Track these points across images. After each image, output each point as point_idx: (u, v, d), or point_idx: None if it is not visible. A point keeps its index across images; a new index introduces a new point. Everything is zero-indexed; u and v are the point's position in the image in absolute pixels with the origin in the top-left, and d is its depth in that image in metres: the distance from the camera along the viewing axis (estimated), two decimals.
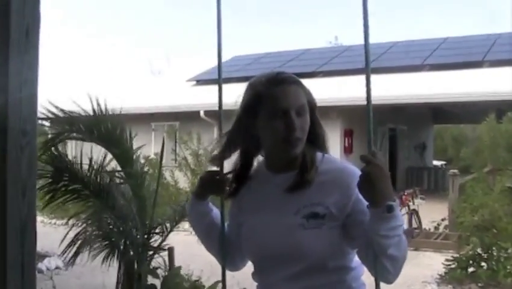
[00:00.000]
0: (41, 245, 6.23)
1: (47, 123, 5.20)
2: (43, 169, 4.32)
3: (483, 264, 6.66)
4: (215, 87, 1.87)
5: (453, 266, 6.84)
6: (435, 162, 22.58)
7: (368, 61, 1.50)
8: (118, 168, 4.83)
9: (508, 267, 6.41)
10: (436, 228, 9.63)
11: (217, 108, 1.87)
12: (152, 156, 10.39)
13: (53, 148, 4.49)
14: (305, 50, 19.92)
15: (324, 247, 1.57)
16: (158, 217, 4.79)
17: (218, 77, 1.86)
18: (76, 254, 4.38)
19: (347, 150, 13.90)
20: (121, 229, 4.59)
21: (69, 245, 4.41)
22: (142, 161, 5.36)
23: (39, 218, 7.83)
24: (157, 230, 4.76)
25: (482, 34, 17.77)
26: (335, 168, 1.65)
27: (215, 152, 1.77)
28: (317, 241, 1.56)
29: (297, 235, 1.57)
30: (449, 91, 12.93)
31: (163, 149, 5.41)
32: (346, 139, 14.05)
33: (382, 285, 1.55)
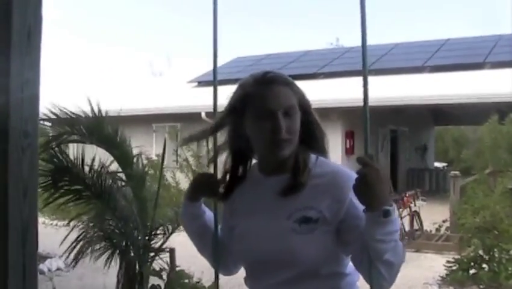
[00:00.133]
0: (42, 247, 6.23)
1: (48, 124, 5.20)
2: (43, 169, 4.32)
3: (484, 265, 6.65)
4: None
5: (454, 268, 6.83)
6: (436, 164, 22.56)
7: (365, 63, 1.48)
8: (120, 170, 4.83)
9: (510, 269, 6.40)
10: (437, 230, 9.63)
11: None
12: (154, 157, 10.39)
13: (54, 148, 4.50)
14: (306, 51, 19.93)
15: (316, 252, 1.52)
16: (159, 218, 4.79)
17: (213, 79, 1.84)
18: (78, 255, 4.39)
19: (349, 151, 13.90)
20: (122, 230, 4.59)
21: (71, 246, 4.41)
22: (144, 162, 5.36)
23: (40, 219, 7.84)
24: (158, 232, 4.76)
25: (483, 36, 17.78)
26: (329, 171, 1.60)
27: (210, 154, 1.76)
28: (310, 247, 1.52)
29: (289, 240, 1.53)
30: (450, 93, 12.92)
31: (164, 151, 5.41)
32: (347, 140, 14.05)
33: None
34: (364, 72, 1.42)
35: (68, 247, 4.42)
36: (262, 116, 1.54)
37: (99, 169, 4.66)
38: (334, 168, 1.61)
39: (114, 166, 4.87)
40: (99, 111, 4.68)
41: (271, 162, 1.62)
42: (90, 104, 4.63)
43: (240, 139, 1.63)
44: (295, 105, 1.58)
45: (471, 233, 7.05)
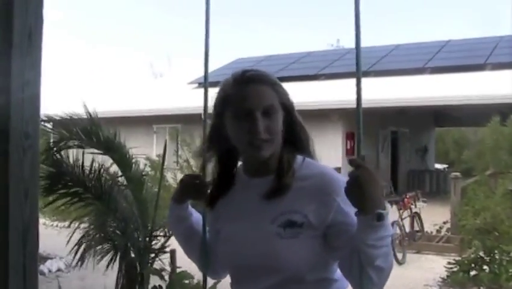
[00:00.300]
0: (42, 248, 6.23)
1: (49, 125, 5.21)
2: (44, 172, 4.33)
3: (485, 267, 6.64)
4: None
5: (455, 269, 6.82)
6: (437, 166, 22.56)
7: (359, 65, 1.44)
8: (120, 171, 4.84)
9: (510, 270, 6.39)
10: (438, 231, 9.63)
11: None
12: (155, 158, 10.40)
13: (55, 154, 4.51)
14: (306, 53, 19.93)
15: (302, 257, 1.47)
16: (160, 219, 4.79)
17: (204, 81, 1.79)
18: (79, 256, 4.39)
19: (349, 152, 13.90)
20: (123, 231, 4.59)
21: (72, 247, 4.42)
22: (144, 163, 5.37)
23: (41, 220, 7.82)
24: (159, 233, 4.76)
25: (484, 37, 17.79)
26: (315, 173, 1.53)
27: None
28: (294, 252, 1.46)
29: (273, 244, 1.48)
30: (451, 94, 12.92)
31: (165, 152, 5.41)
32: (348, 141, 14.05)
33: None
34: (357, 74, 1.38)
35: (72, 249, 4.43)
36: (240, 116, 1.50)
37: (99, 171, 4.66)
38: (321, 170, 1.55)
39: (114, 167, 4.88)
40: (96, 114, 4.69)
41: (254, 163, 1.58)
42: (86, 108, 4.64)
43: (223, 140, 1.58)
44: (275, 105, 1.52)
45: (471, 235, 7.03)
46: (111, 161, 4.80)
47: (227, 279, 1.75)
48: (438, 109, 16.41)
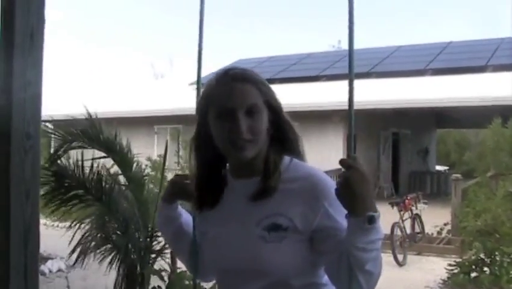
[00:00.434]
0: (43, 248, 6.23)
1: (50, 126, 5.22)
2: (44, 176, 4.32)
3: (486, 269, 6.64)
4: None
5: (455, 271, 6.81)
6: (438, 167, 22.55)
7: (352, 67, 1.43)
8: (120, 172, 4.84)
9: (511, 272, 6.39)
10: (439, 233, 9.62)
11: None
12: (156, 158, 10.39)
13: (55, 156, 4.51)
14: (308, 54, 19.94)
15: (287, 262, 1.42)
16: None
17: (197, 83, 1.77)
18: (80, 257, 4.39)
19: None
20: (123, 232, 4.60)
21: (73, 248, 4.42)
22: (146, 163, 5.36)
23: (41, 221, 7.83)
24: (160, 233, 4.76)
25: (486, 39, 17.78)
26: (303, 175, 1.48)
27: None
28: (279, 256, 1.42)
29: (258, 248, 1.43)
30: (452, 96, 12.92)
31: (166, 152, 5.41)
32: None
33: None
34: (350, 76, 1.37)
35: (73, 250, 4.43)
36: (222, 116, 1.45)
37: (98, 172, 4.66)
38: (309, 172, 1.49)
39: (115, 167, 4.88)
40: (96, 115, 4.69)
41: (239, 165, 1.53)
42: (87, 110, 4.64)
43: (208, 141, 1.53)
44: (259, 104, 1.46)
45: (472, 237, 7.03)
46: (111, 161, 4.81)
47: None
48: (440, 110, 16.40)
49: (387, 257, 8.24)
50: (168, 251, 4.85)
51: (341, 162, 1.29)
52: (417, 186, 17.25)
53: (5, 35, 1.60)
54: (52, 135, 4.92)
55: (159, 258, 4.79)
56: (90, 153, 4.75)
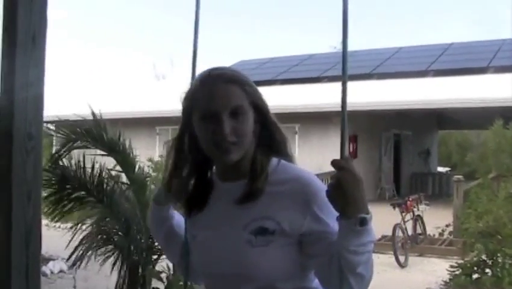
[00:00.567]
0: (45, 249, 6.24)
1: (51, 126, 5.22)
2: (46, 178, 4.32)
3: (487, 270, 6.63)
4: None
5: (457, 272, 6.80)
6: (440, 168, 22.54)
7: (345, 69, 1.42)
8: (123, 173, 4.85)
9: None
10: (440, 234, 9.61)
11: None
12: (157, 159, 10.41)
13: (56, 155, 4.52)
14: (309, 55, 19.95)
15: (274, 266, 1.40)
16: None
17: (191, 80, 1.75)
18: (81, 258, 4.39)
19: (352, 155, 13.89)
20: (125, 233, 4.60)
21: (75, 249, 4.42)
22: (148, 164, 5.36)
23: (43, 222, 7.84)
24: None
25: (487, 40, 17.80)
26: (291, 177, 1.45)
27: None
28: (266, 260, 1.39)
29: (244, 252, 1.41)
30: (454, 97, 12.91)
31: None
32: (351, 144, 14.04)
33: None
34: (343, 78, 1.36)
35: (74, 251, 4.43)
36: (206, 118, 1.42)
37: (100, 173, 4.66)
38: (297, 174, 1.46)
39: (116, 168, 4.88)
40: (100, 115, 4.69)
41: (224, 167, 1.50)
42: (92, 110, 4.64)
43: (192, 144, 1.50)
44: (244, 105, 1.43)
45: (474, 238, 7.02)
46: (112, 161, 4.80)
47: None
48: (441, 112, 16.39)
49: (388, 259, 8.24)
50: None
51: (333, 163, 1.25)
52: (419, 187, 17.24)
53: (7, 35, 1.60)
54: (56, 134, 4.92)
55: (160, 259, 4.80)
56: (91, 156, 4.75)
